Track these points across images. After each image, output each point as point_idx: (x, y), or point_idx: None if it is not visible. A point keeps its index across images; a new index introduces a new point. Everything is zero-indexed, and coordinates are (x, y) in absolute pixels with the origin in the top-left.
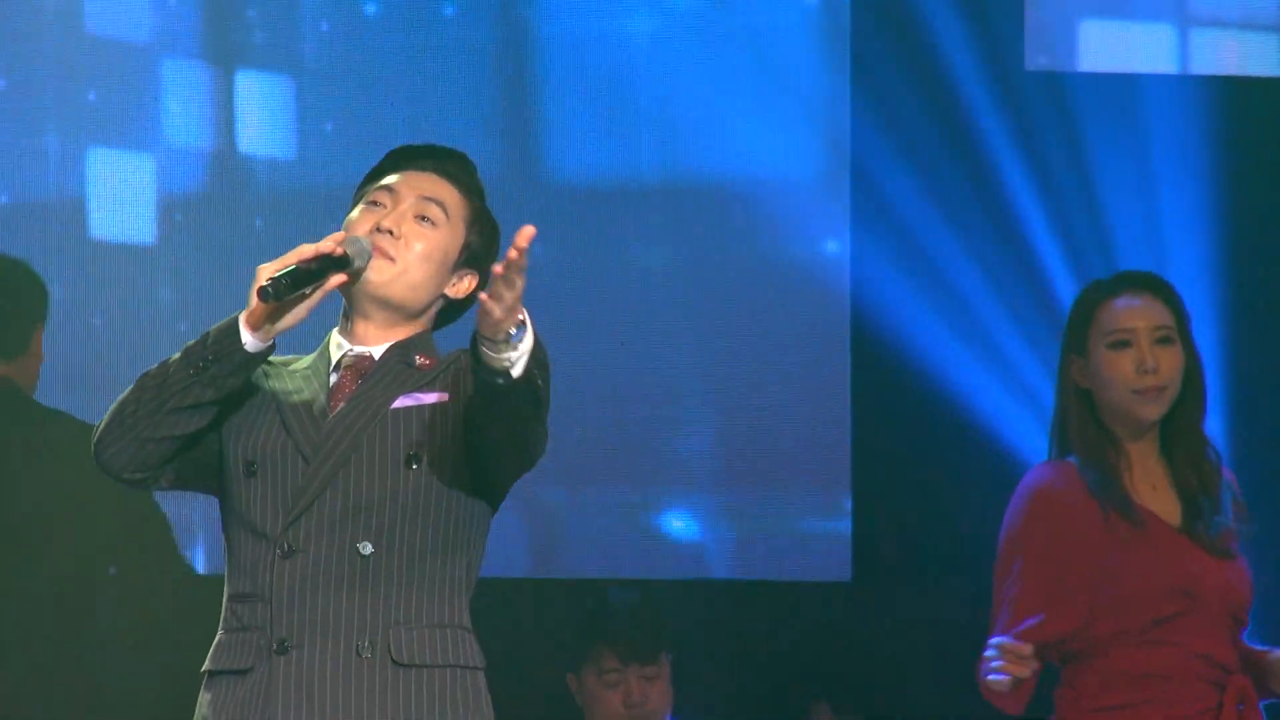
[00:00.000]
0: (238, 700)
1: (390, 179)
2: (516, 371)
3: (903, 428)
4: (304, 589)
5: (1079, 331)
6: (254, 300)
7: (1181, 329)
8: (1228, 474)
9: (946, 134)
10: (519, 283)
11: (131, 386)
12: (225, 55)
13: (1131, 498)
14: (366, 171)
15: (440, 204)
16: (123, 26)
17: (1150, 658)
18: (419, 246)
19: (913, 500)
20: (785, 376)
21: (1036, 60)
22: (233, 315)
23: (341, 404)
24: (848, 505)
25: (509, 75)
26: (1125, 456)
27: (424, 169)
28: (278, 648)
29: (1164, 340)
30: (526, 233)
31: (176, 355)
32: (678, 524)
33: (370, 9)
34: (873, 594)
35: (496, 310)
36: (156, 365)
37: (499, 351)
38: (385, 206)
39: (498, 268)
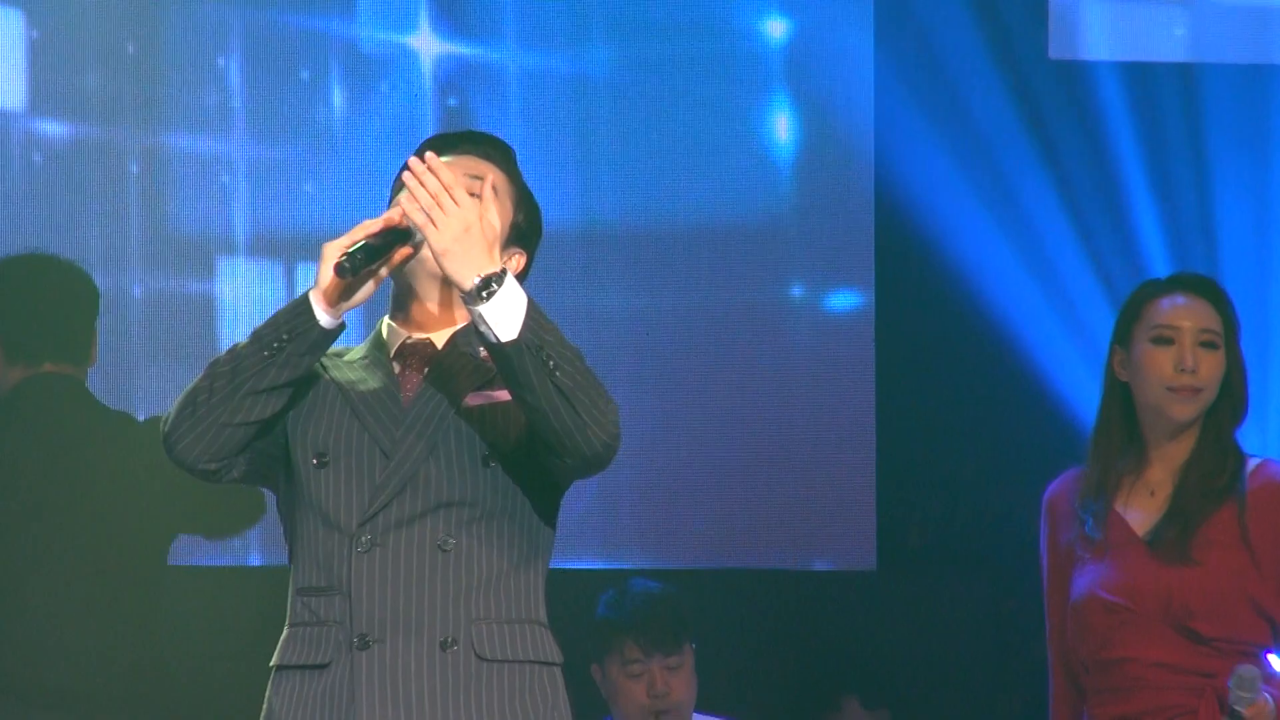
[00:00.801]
0: (317, 695)
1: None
2: (505, 334)
3: (927, 416)
4: (384, 583)
5: (1126, 324)
6: (326, 278)
7: (1229, 336)
8: (1270, 474)
9: (970, 131)
10: (427, 187)
11: (201, 375)
12: None
13: (1107, 508)
14: None
15: (486, 176)
16: None
17: (1109, 675)
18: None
19: (938, 489)
20: (810, 368)
21: (1059, 49)
22: (301, 294)
23: (412, 395)
24: (873, 494)
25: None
26: (1144, 458)
27: (466, 153)
28: (359, 643)
29: (1208, 344)
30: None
31: (244, 340)
32: (700, 513)
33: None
34: (898, 583)
35: (409, 213)
36: (225, 352)
37: (472, 303)
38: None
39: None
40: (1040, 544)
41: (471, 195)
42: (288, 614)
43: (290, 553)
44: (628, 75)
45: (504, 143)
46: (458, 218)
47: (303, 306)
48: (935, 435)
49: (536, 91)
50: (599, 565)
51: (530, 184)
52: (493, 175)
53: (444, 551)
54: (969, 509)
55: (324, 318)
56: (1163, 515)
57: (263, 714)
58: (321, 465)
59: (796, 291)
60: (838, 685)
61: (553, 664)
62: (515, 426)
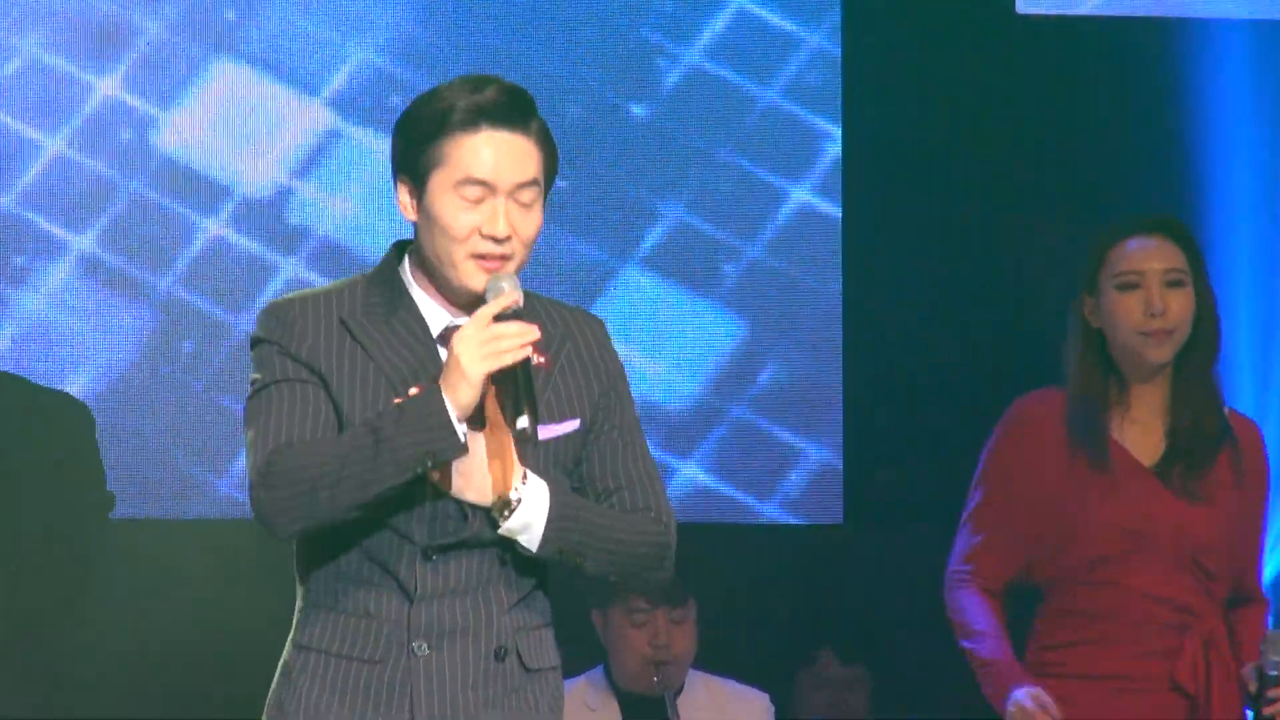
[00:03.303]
0: (363, 689)
1: (482, 167)
2: (531, 545)
3: (894, 369)
4: (448, 592)
5: (1091, 270)
6: (469, 398)
7: (1194, 272)
8: (1240, 424)
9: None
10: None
11: (314, 465)
12: None
13: (1105, 434)
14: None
15: (536, 184)
16: None
17: (1095, 597)
18: (526, 233)
19: (905, 442)
20: (777, 318)
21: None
22: (438, 408)
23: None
24: (840, 448)
25: None
26: (1125, 395)
27: (508, 128)
28: (418, 646)
29: (1175, 283)
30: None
31: (366, 445)
32: (665, 468)
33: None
34: (866, 538)
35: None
36: (341, 449)
37: (496, 520)
38: (483, 202)
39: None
40: (989, 453)
41: (524, 205)
42: (314, 593)
43: (327, 535)
44: None
45: (532, 100)
46: (469, 462)
47: (447, 429)
48: (902, 387)
49: None
50: None
51: None
52: (535, 167)
53: (501, 565)
54: (936, 462)
55: (462, 435)
56: (1165, 451)
57: (281, 687)
58: None
59: (767, 250)
60: (812, 639)
61: (560, 666)
62: (570, 452)
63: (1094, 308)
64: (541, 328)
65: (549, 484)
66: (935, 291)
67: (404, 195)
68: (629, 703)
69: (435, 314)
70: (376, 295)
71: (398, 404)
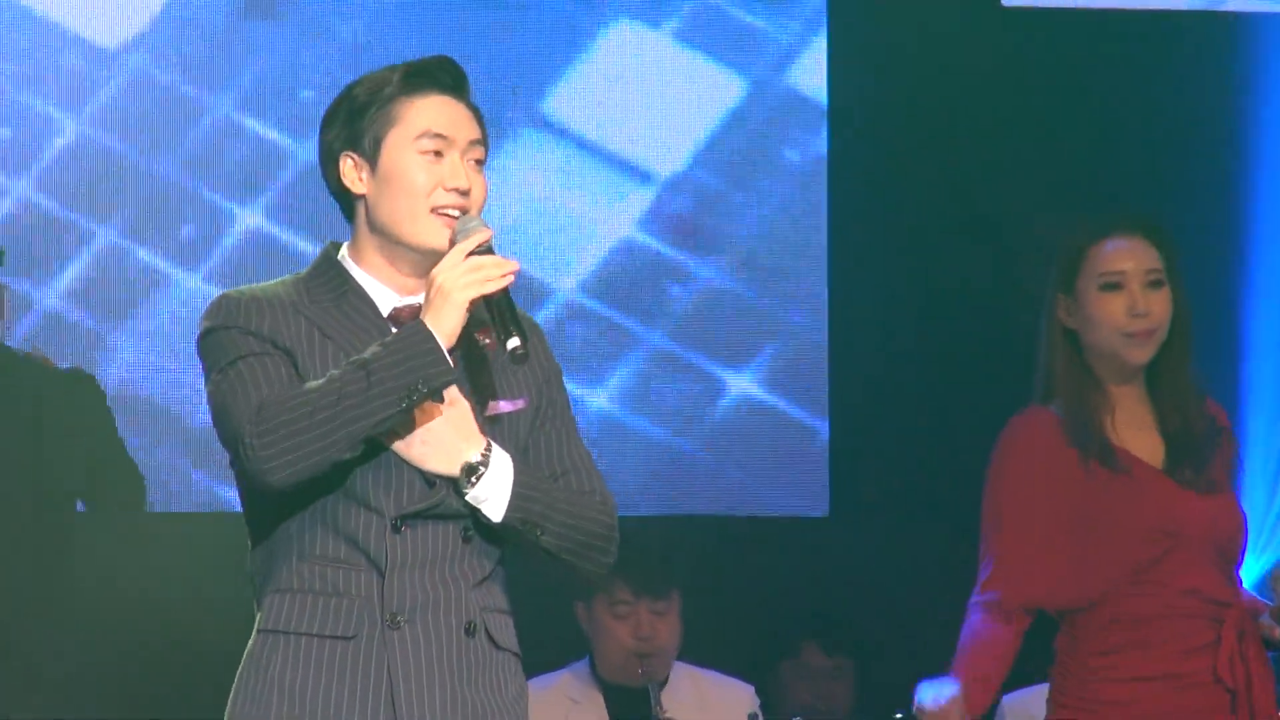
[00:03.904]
0: (338, 666)
1: (437, 122)
2: (493, 514)
3: (880, 361)
4: (417, 565)
5: (1068, 271)
6: (454, 325)
7: (1171, 271)
8: (1213, 408)
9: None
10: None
11: (306, 404)
12: None
13: (1111, 442)
14: None
15: (484, 145)
16: None
17: (1141, 601)
18: (479, 194)
19: (890, 435)
20: (764, 311)
21: None
22: (426, 337)
23: None
24: (825, 440)
25: None
26: (1109, 399)
27: (453, 96)
28: (391, 621)
29: (1155, 284)
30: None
31: (357, 379)
32: (650, 460)
33: None
34: (851, 530)
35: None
36: (331, 386)
37: (461, 489)
38: (443, 155)
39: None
40: (999, 480)
41: (477, 163)
42: (277, 579)
43: (299, 518)
44: None
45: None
46: (430, 433)
47: (437, 355)
48: (888, 380)
49: None
50: None
51: None
52: (481, 132)
53: (465, 541)
54: (922, 454)
55: (451, 361)
56: (1169, 451)
57: (248, 673)
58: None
59: (752, 245)
60: (797, 631)
61: (521, 656)
62: (523, 432)
63: (1070, 308)
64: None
65: (511, 456)
66: (921, 286)
67: (350, 169)
68: (613, 694)
69: (383, 295)
70: (320, 284)
71: (382, 341)
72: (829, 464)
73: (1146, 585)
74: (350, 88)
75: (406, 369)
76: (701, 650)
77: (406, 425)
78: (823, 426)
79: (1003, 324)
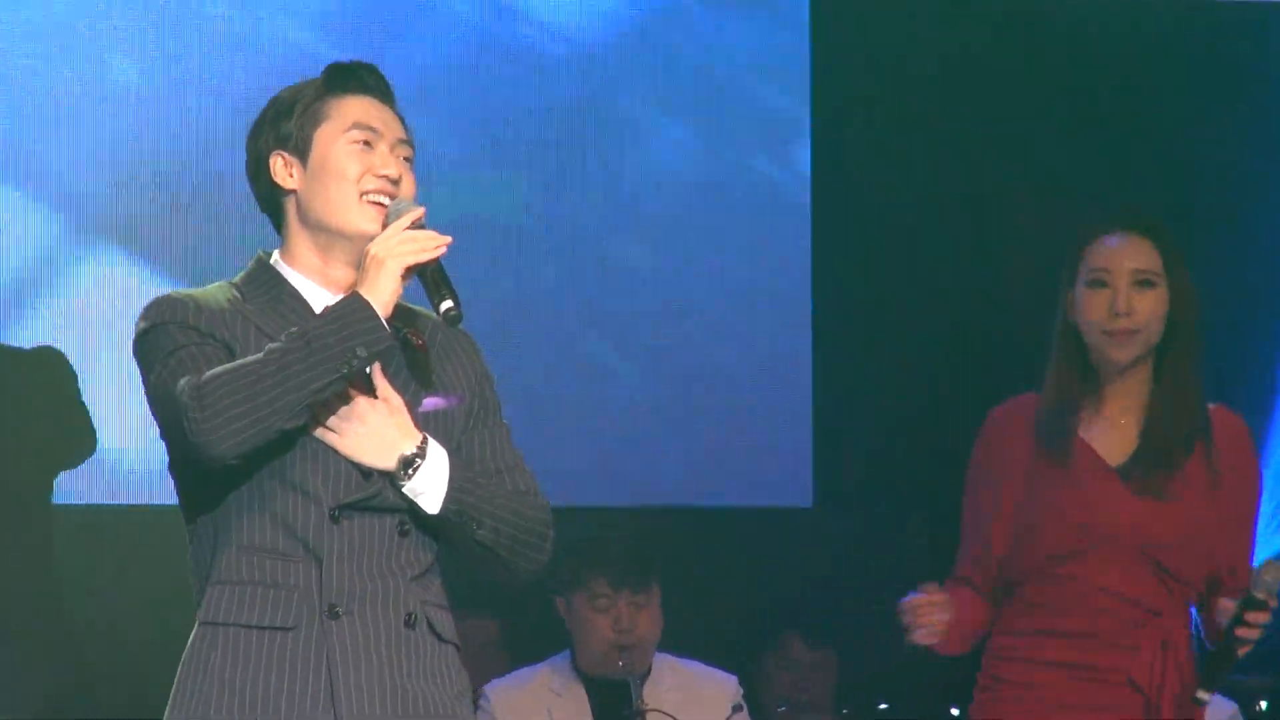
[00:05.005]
0: (276, 658)
1: (367, 116)
2: (430, 507)
3: (864, 351)
4: (355, 557)
5: (1071, 267)
6: (390, 289)
7: (1170, 272)
8: (1222, 414)
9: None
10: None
11: (250, 372)
12: None
13: (1072, 433)
14: None
15: (411, 147)
16: None
17: (1054, 591)
18: (408, 187)
19: (874, 424)
20: (746, 302)
21: None
22: (360, 301)
23: (361, 378)
24: (809, 430)
25: None
26: (1099, 392)
27: (378, 98)
28: (329, 611)
29: (1145, 284)
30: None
31: (297, 347)
32: (635, 451)
33: None
34: (835, 520)
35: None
36: (273, 355)
37: (398, 481)
38: (372, 146)
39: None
40: (970, 464)
41: (406, 160)
42: (217, 570)
43: (238, 509)
44: None
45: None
46: (365, 427)
47: (374, 320)
48: (872, 371)
49: None
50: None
51: None
52: (408, 133)
53: (402, 535)
54: (906, 445)
55: (387, 328)
56: (1135, 451)
57: (189, 666)
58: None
59: (732, 234)
60: (779, 623)
61: (460, 650)
62: (457, 429)
63: (1073, 302)
64: (416, 319)
65: (446, 450)
66: (905, 277)
67: (280, 167)
68: (595, 687)
69: (317, 295)
70: (254, 288)
71: (320, 314)
72: (812, 454)
73: (1063, 578)
74: (273, 98)
75: (345, 335)
76: (685, 641)
77: (343, 420)
78: (806, 417)
79: (988, 315)
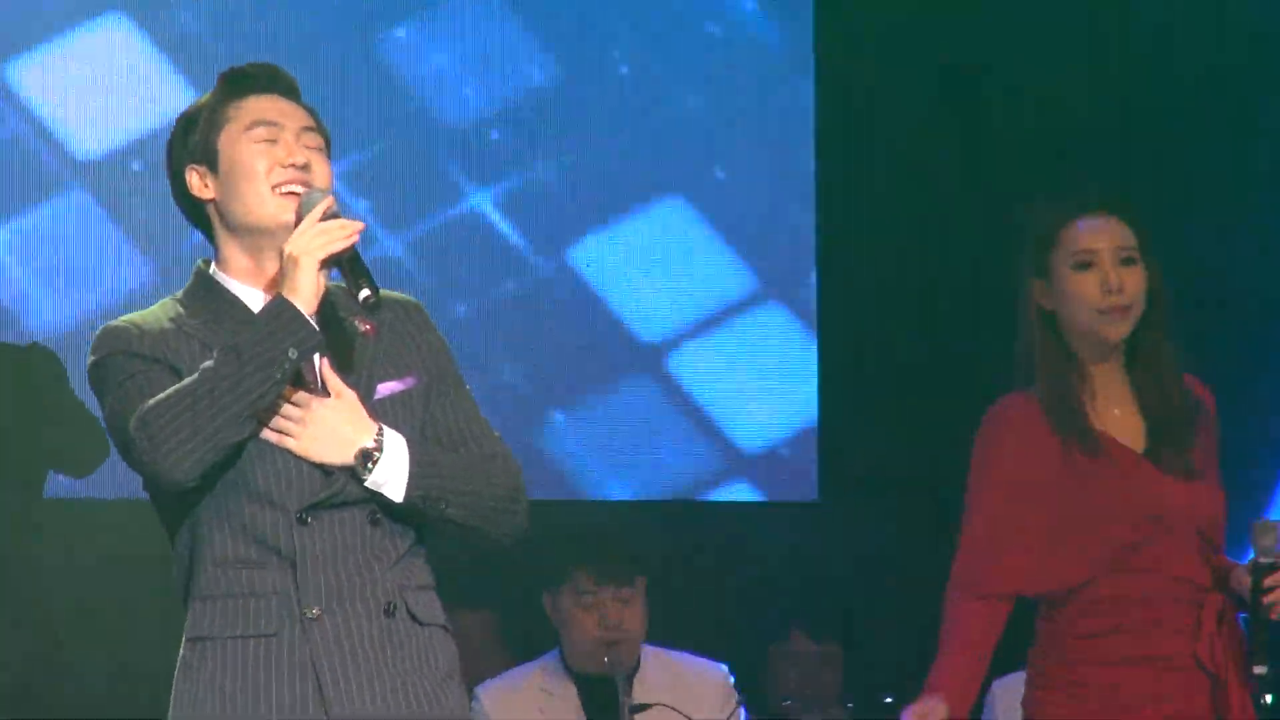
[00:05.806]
0: (264, 663)
1: (265, 112)
2: (395, 494)
3: (869, 345)
4: (327, 555)
5: (1041, 254)
6: (310, 286)
7: (1144, 248)
8: (1197, 385)
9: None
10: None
11: (177, 394)
12: None
13: (1090, 425)
14: None
15: (319, 134)
16: None
17: (1126, 583)
18: (321, 173)
19: (879, 419)
20: (751, 298)
21: None
22: (282, 303)
23: (310, 378)
24: (815, 424)
25: None
26: (1089, 380)
27: (276, 94)
28: (307, 613)
29: (1127, 261)
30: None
31: (229, 360)
32: (641, 446)
33: None
34: (841, 514)
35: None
36: (207, 374)
37: (359, 475)
38: (276, 140)
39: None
40: (980, 465)
41: (315, 149)
42: (196, 586)
43: (209, 524)
44: None
45: (295, 82)
46: (320, 427)
47: (299, 319)
48: (878, 365)
49: None
50: (538, 497)
51: None
52: (318, 124)
53: (373, 525)
54: (912, 439)
55: (314, 324)
56: (1148, 432)
57: (182, 680)
58: (254, 439)
59: (741, 217)
60: (784, 616)
61: (450, 629)
62: (420, 409)
63: (1044, 290)
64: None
65: (405, 436)
66: (910, 271)
67: (195, 181)
68: (585, 684)
69: (256, 300)
70: (195, 302)
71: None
72: (818, 449)
73: (1129, 570)
74: (179, 115)
75: (274, 340)
76: (689, 635)
77: (298, 423)
78: (812, 411)
79: (993, 309)
